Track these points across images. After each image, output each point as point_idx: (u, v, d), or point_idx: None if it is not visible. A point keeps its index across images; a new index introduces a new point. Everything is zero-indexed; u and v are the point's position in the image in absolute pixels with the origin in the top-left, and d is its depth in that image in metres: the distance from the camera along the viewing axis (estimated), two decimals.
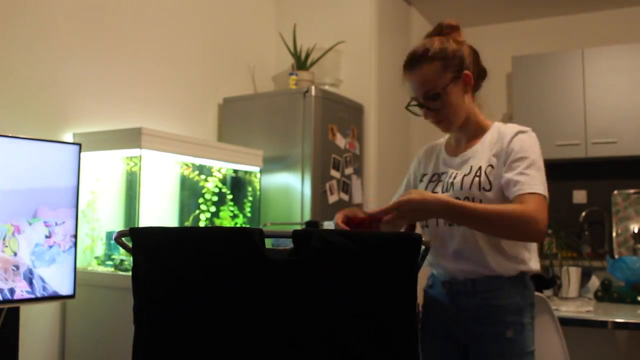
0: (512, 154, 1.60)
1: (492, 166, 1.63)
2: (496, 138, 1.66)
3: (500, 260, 1.61)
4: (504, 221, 1.51)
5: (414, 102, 1.71)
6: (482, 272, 1.62)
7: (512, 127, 1.67)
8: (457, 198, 1.61)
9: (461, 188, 1.64)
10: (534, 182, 1.54)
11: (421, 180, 1.81)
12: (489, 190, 1.60)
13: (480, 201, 1.59)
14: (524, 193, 1.53)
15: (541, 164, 1.60)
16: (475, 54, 1.71)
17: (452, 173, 1.70)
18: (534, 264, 1.66)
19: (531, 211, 1.49)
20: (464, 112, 1.69)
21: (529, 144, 1.61)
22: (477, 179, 1.63)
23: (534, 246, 1.68)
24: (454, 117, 1.68)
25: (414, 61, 1.66)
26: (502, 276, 1.61)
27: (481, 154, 1.67)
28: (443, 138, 1.87)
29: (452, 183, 1.67)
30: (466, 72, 1.66)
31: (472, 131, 1.72)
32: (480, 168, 1.64)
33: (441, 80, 1.63)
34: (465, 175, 1.65)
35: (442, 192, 1.68)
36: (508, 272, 1.61)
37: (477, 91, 1.74)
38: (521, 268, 1.63)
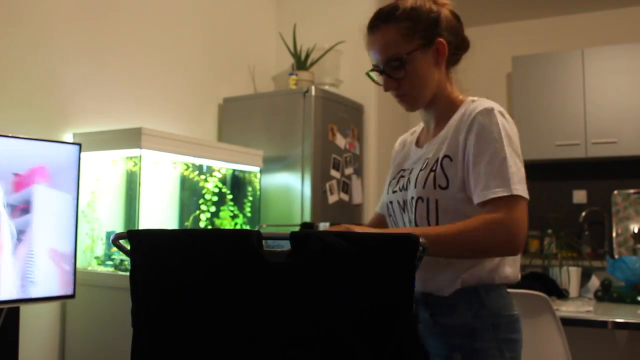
0: (469, 144, 1.30)
1: (449, 157, 1.33)
2: (458, 120, 1.36)
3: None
4: (470, 239, 1.22)
5: (376, 70, 1.44)
6: None
7: (479, 104, 1.34)
8: (417, 199, 1.36)
9: (416, 187, 1.37)
10: (500, 181, 1.24)
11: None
12: (446, 187, 1.32)
13: (437, 202, 1.32)
14: (490, 199, 1.24)
15: (511, 153, 1.27)
16: (457, 19, 1.44)
17: (413, 168, 1.44)
18: (482, 272, 1.34)
19: (504, 219, 1.21)
20: (432, 87, 1.40)
21: (489, 129, 1.29)
22: (432, 173, 1.34)
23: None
24: (419, 91, 1.39)
25: (379, 20, 1.41)
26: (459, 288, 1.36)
27: (442, 140, 1.38)
28: (419, 126, 1.58)
29: (408, 180, 1.42)
30: (440, 39, 1.37)
31: (442, 111, 1.42)
32: (437, 160, 1.35)
33: (407, 45, 1.36)
34: (421, 170, 1.38)
35: (399, 193, 1.44)
36: (455, 286, 1.35)
37: (454, 65, 1.45)
38: (471, 282, 1.35)
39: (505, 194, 1.22)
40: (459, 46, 1.43)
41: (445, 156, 1.34)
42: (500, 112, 1.31)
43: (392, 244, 1.04)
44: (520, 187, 1.24)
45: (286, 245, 1.07)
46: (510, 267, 1.36)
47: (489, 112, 1.30)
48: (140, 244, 1.11)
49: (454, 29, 1.41)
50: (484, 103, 1.34)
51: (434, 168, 1.35)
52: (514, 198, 1.23)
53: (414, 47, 1.36)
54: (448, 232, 1.22)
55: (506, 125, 1.30)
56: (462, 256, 1.30)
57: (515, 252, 1.25)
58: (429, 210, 1.34)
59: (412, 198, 1.37)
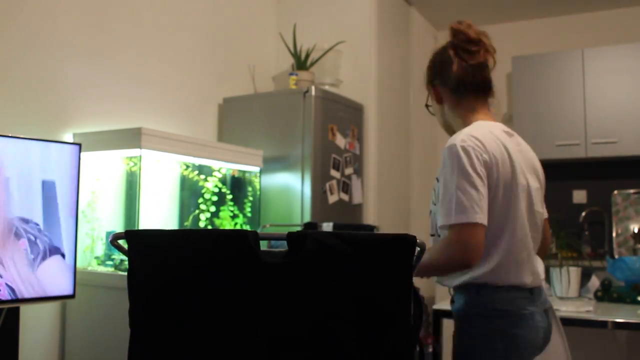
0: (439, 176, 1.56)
1: (437, 179, 1.58)
2: None
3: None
4: (440, 265, 1.50)
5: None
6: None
7: (450, 139, 1.57)
8: (430, 212, 1.69)
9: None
10: (444, 212, 1.47)
11: None
12: (436, 204, 1.55)
13: (434, 214, 1.60)
14: (440, 225, 1.49)
15: (461, 184, 1.46)
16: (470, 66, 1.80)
17: None
18: (477, 273, 1.53)
19: (450, 241, 1.46)
20: (443, 122, 1.75)
21: (446, 163, 1.51)
22: (433, 192, 1.62)
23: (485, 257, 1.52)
24: (439, 123, 1.77)
25: None
26: (455, 285, 1.60)
27: None
28: None
29: None
30: (431, 85, 1.73)
31: None
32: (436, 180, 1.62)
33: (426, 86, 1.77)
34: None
35: None
36: (455, 282, 1.59)
37: (467, 99, 1.75)
38: (464, 279, 1.56)
39: (446, 223, 1.46)
40: (467, 86, 1.79)
41: (436, 177, 1.59)
42: (463, 147, 1.49)
43: (388, 244, 1.04)
44: (462, 216, 1.43)
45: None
46: (504, 274, 1.53)
47: (450, 147, 1.51)
48: (138, 244, 1.12)
49: (462, 73, 1.78)
50: (454, 138, 1.54)
51: (434, 188, 1.61)
52: (455, 225, 1.44)
53: (428, 88, 1.77)
54: (425, 262, 1.37)
55: (462, 158, 1.48)
56: (445, 274, 1.60)
57: (466, 263, 1.46)
58: (431, 223, 1.65)
59: (430, 211, 1.67)
